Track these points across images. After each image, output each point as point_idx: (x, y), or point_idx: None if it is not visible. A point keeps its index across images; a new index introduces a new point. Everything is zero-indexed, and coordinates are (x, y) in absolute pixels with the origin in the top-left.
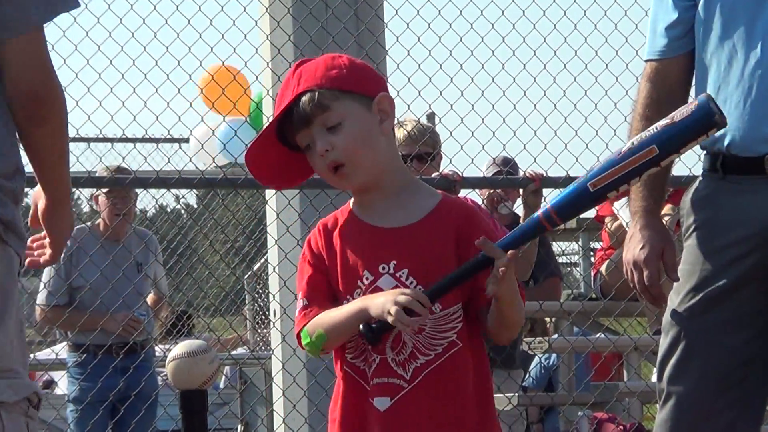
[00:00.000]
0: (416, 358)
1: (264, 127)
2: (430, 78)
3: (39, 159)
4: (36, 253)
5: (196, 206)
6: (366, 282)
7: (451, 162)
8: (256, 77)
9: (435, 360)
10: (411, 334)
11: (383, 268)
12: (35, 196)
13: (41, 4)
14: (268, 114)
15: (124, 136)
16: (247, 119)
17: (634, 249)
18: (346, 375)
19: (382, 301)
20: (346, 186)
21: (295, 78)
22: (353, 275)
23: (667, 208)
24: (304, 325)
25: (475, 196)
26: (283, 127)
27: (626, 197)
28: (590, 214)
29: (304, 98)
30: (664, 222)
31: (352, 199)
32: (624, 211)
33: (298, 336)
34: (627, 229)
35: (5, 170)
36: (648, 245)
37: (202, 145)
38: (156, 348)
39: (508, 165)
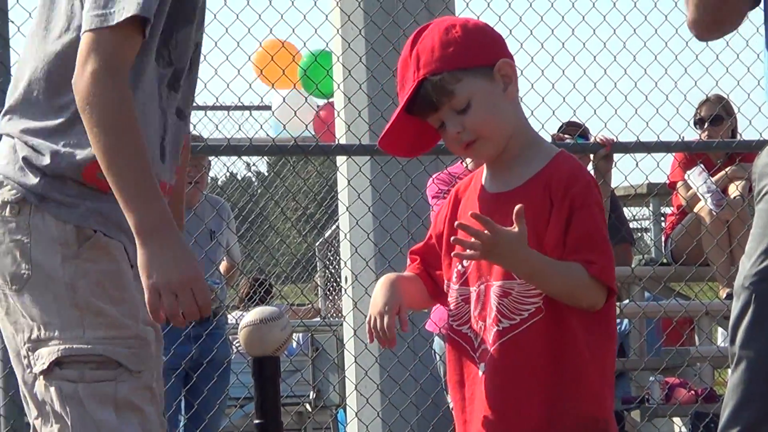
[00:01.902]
0: (499, 322)
1: (395, 113)
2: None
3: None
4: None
5: (267, 174)
6: None
7: None
8: (304, 44)
9: (519, 325)
10: (496, 298)
11: None
12: None
13: (96, 8)
14: (338, 81)
15: (195, 104)
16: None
17: None
18: (454, 342)
19: (371, 303)
20: (478, 159)
21: (413, 60)
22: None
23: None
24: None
25: None
26: (409, 103)
27: (695, 166)
28: (661, 179)
29: (427, 86)
30: (739, 188)
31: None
32: (694, 178)
33: None
34: (698, 195)
35: (33, 125)
36: None
37: (295, 112)
38: (229, 316)
39: (578, 129)
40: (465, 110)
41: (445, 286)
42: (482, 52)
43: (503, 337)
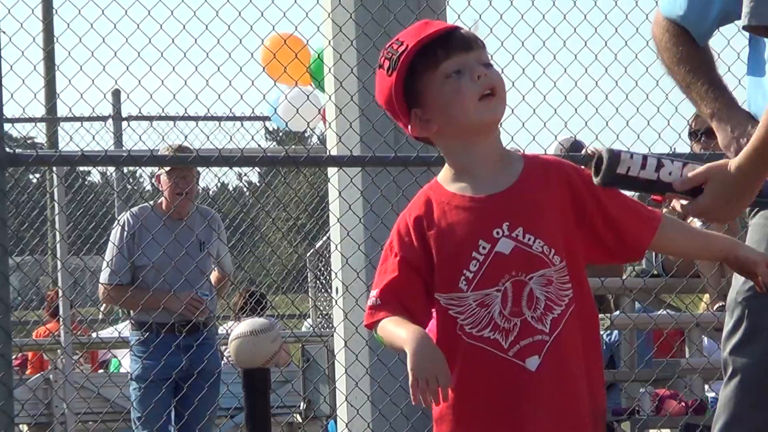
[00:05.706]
0: (552, 309)
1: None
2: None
3: None
4: None
5: (258, 184)
6: (484, 251)
7: (512, 139)
8: (307, 44)
9: (567, 310)
10: (541, 288)
11: (497, 233)
12: None
13: None
14: (330, 92)
15: (186, 115)
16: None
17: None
18: (474, 349)
19: (417, 366)
20: (489, 115)
21: (437, 23)
22: (466, 249)
23: None
24: (373, 323)
25: None
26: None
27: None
28: None
29: (466, 30)
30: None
31: (443, 179)
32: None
33: (368, 326)
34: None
35: None
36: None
37: (297, 110)
38: (219, 326)
39: (576, 150)
40: (488, 67)
41: (445, 300)
42: None
43: (560, 324)
